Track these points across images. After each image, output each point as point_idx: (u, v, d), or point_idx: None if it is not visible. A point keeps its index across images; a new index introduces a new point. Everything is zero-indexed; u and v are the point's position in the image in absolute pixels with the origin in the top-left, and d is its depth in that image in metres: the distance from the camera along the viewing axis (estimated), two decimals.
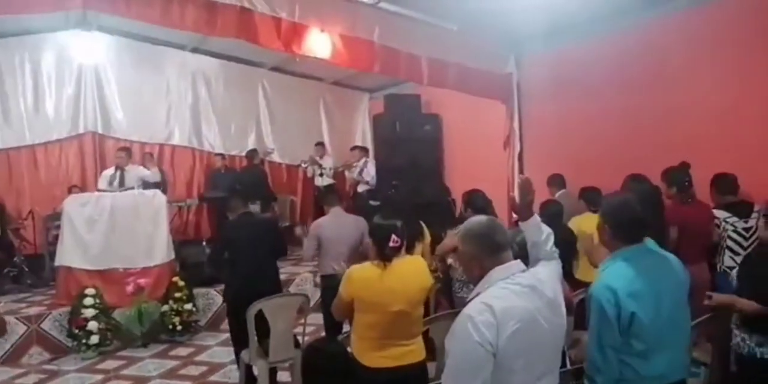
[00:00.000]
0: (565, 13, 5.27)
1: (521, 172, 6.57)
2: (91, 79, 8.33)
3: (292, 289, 6.38)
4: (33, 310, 5.64)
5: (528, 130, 6.68)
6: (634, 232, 2.13)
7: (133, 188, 6.36)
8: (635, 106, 5.37)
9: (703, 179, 4.09)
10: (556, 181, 5.56)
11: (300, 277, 6.60)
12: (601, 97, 5.66)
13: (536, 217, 2.12)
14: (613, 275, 2.07)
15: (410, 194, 6.64)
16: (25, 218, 7.35)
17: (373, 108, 9.65)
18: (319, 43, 5.51)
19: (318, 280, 6.55)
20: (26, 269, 6.91)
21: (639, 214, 2.12)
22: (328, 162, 8.97)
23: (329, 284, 4.33)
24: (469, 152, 7.64)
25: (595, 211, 4.24)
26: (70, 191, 7.29)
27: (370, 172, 8.17)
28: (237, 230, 4.45)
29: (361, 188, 8.29)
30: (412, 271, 2.77)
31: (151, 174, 6.74)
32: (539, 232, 2.08)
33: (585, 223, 4.12)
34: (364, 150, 8.74)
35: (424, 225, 4.45)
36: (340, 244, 4.36)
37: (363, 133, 9.98)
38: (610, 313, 1.98)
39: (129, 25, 7.88)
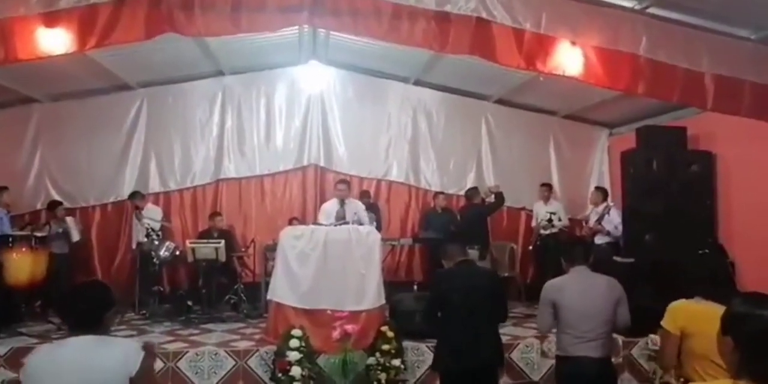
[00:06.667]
0: None
1: None
2: (317, 112, 8.52)
3: (514, 356, 5.29)
4: (243, 344, 5.45)
5: None
6: None
7: (348, 223, 6.01)
8: None
9: None
10: None
11: (524, 342, 5.45)
12: None
13: None
14: None
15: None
16: (248, 246, 7.47)
17: (616, 144, 8.20)
18: (568, 59, 4.63)
19: (546, 348, 5.45)
20: (244, 298, 6.92)
21: None
22: (555, 206, 7.86)
23: (567, 370, 3.33)
24: (755, 202, 5.79)
25: None
26: (290, 222, 7.32)
27: (614, 220, 6.72)
28: (451, 283, 3.71)
29: (599, 240, 6.85)
30: None
31: (368, 217, 6.43)
32: None
33: None
34: (605, 193, 7.36)
35: None
36: (585, 315, 3.24)
37: (599, 175, 8.62)
38: None
39: (356, 58, 7.98)
